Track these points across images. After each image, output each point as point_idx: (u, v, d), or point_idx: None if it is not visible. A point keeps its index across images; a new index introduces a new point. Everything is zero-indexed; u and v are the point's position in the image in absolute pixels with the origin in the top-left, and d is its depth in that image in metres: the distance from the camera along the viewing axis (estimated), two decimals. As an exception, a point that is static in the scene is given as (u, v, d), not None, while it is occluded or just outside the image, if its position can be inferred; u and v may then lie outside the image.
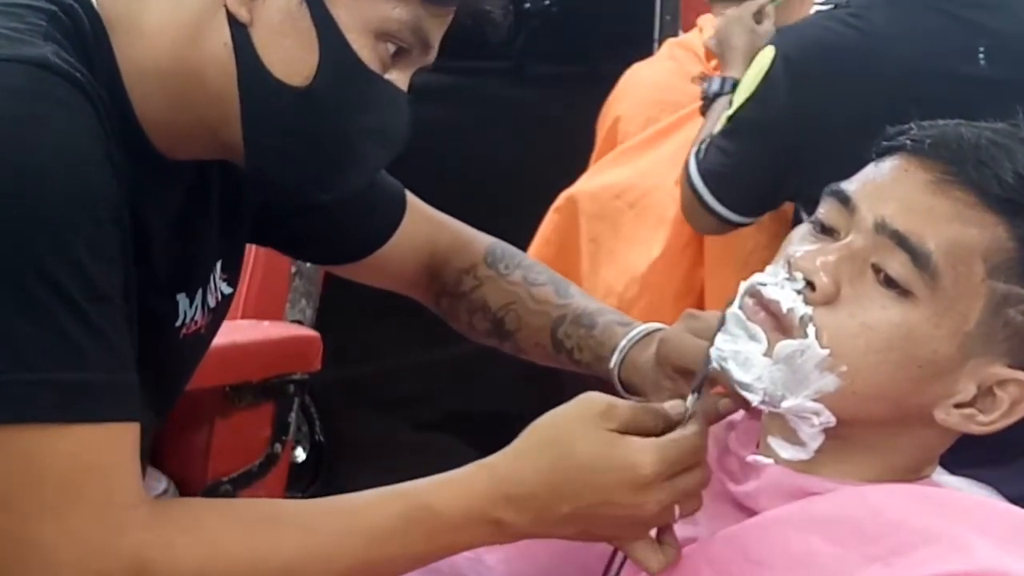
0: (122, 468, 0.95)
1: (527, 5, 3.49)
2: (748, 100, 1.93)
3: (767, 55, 1.91)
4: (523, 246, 2.49)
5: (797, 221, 1.98)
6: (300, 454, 2.66)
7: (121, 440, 0.95)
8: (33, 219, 0.91)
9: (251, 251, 2.12)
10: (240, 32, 1.01)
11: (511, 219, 2.55)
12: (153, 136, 1.05)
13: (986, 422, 1.00)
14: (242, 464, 2.19)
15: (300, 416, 2.41)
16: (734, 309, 1.02)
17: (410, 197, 1.36)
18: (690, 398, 1.02)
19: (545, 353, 1.33)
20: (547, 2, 3.40)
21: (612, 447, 0.98)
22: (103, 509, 0.93)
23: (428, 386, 3.44)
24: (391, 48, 1.04)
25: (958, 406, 1.00)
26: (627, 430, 0.99)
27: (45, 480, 0.92)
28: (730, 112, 1.97)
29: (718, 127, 1.99)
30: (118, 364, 0.96)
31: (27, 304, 0.90)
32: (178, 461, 2.13)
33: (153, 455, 2.21)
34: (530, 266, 1.38)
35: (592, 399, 1.01)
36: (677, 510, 1.00)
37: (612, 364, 1.27)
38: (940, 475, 1.08)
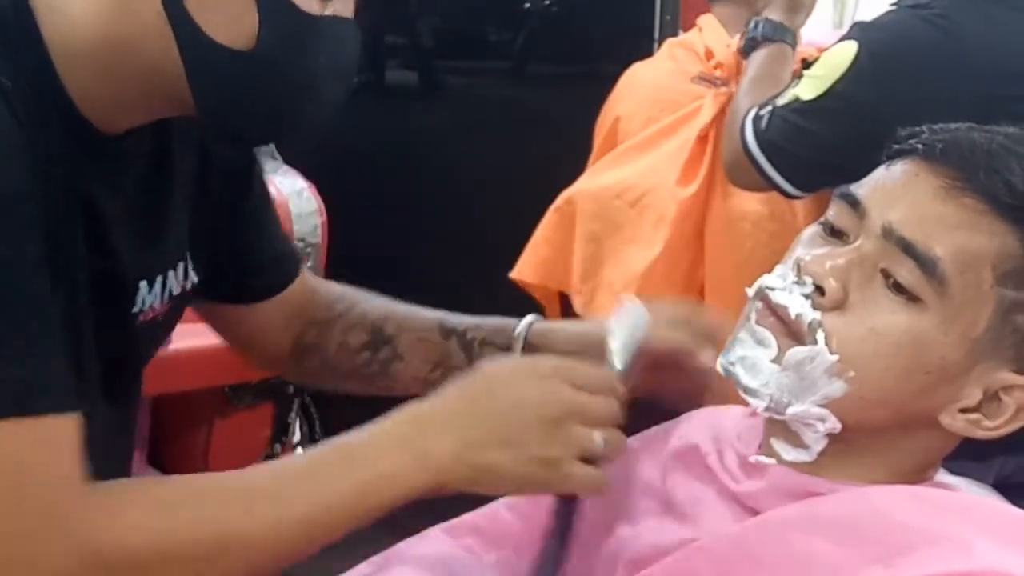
0: (62, 460, 0.93)
1: (527, 5, 3.49)
2: (832, 88, 1.90)
3: (850, 49, 1.89)
4: (523, 246, 2.50)
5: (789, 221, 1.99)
6: (300, 454, 2.66)
7: (57, 431, 0.93)
8: None
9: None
10: (172, 2, 0.98)
11: (511, 219, 2.55)
12: (90, 114, 1.03)
13: (991, 427, 1.00)
14: (242, 464, 2.18)
15: (300, 416, 2.41)
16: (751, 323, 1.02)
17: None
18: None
19: (427, 348, 1.33)
20: (547, 2, 3.40)
21: (519, 359, 1.07)
22: (47, 505, 0.91)
23: (428, 386, 3.43)
24: None
25: (963, 411, 1.00)
26: None
27: None
28: (805, 94, 1.94)
29: (783, 100, 1.96)
30: (47, 354, 0.93)
31: None
32: (177, 461, 2.13)
33: (153, 455, 2.22)
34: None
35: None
36: (597, 436, 1.02)
37: (520, 328, 1.31)
38: (940, 475, 1.08)
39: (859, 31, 1.93)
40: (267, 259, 1.32)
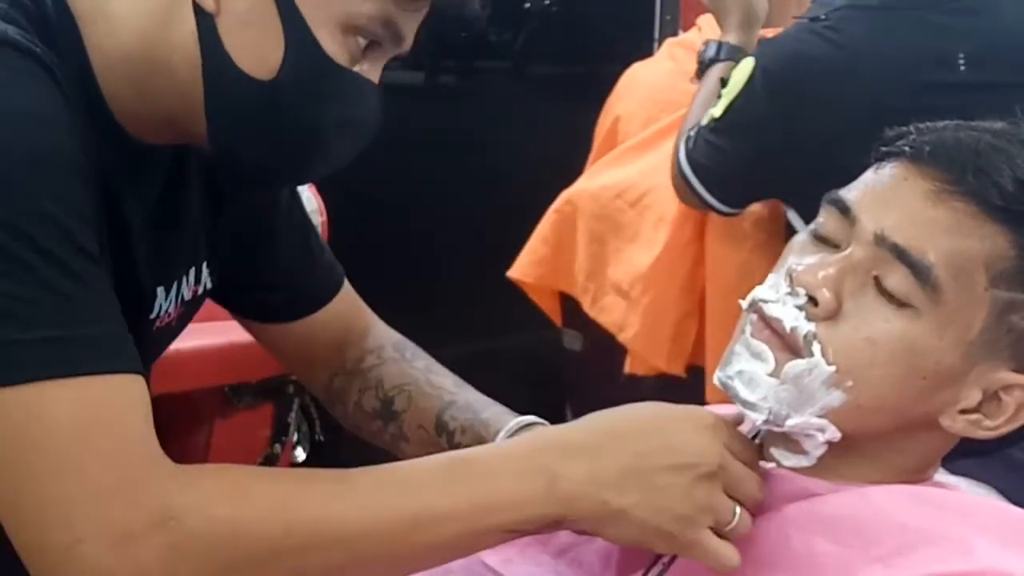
0: (134, 419, 0.92)
1: (527, 5, 3.49)
2: (732, 105, 1.96)
3: (748, 65, 1.96)
4: (523, 246, 2.50)
5: (787, 227, 2.01)
6: (300, 454, 2.66)
7: (129, 391, 0.92)
8: None
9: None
10: (206, 21, 1.00)
11: (511, 219, 2.55)
12: (123, 122, 1.04)
13: (992, 427, 1.00)
14: (242, 464, 2.19)
15: (300, 416, 2.41)
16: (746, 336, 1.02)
17: (346, 281, 1.34)
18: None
19: (423, 438, 1.26)
20: (547, 2, 3.40)
21: (672, 406, 0.99)
22: (119, 460, 0.89)
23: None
24: (361, 41, 1.03)
25: (963, 412, 0.99)
26: None
27: (54, 436, 0.88)
28: (716, 112, 1.99)
29: (705, 119, 2.01)
30: (110, 316, 0.93)
31: (6, 264, 0.88)
32: (178, 461, 2.13)
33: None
34: (435, 362, 1.33)
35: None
36: (737, 511, 0.96)
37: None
38: (941, 475, 1.07)
39: (759, 48, 1.97)
40: (283, 279, 1.29)
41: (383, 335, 1.35)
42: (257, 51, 1.00)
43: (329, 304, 1.31)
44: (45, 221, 0.90)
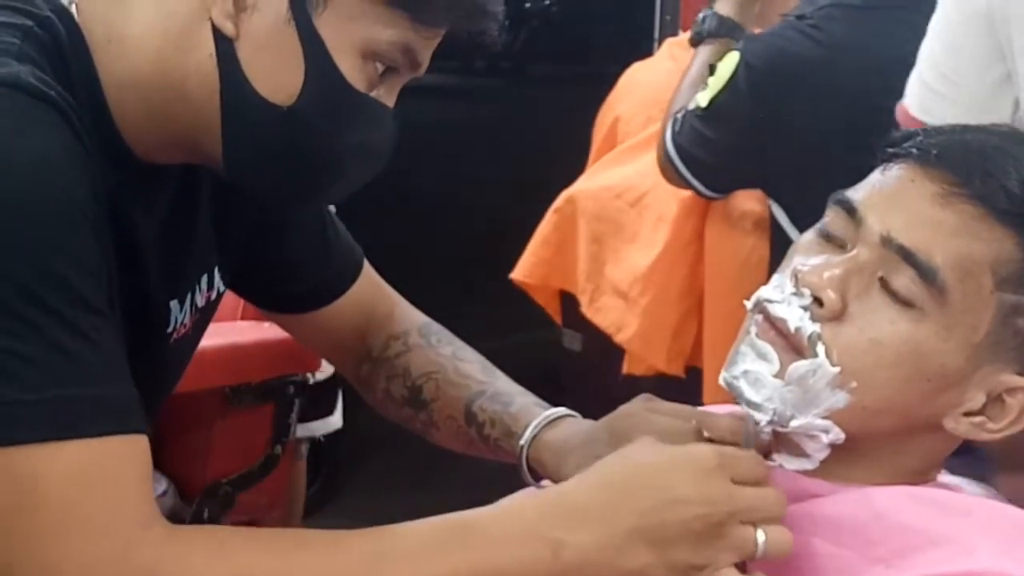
0: (130, 483, 0.91)
1: (527, 5, 3.49)
2: (717, 96, 1.97)
3: (733, 59, 1.98)
4: (523, 246, 2.50)
5: (772, 219, 2.01)
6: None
7: (126, 454, 0.92)
8: (9, 237, 0.88)
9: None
10: (225, 46, 1.00)
11: (511, 218, 2.55)
12: (133, 144, 1.04)
13: (995, 429, 1.00)
14: (242, 465, 2.18)
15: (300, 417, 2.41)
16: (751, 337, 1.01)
17: (365, 263, 1.35)
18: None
19: (455, 428, 1.26)
20: (547, 2, 3.40)
21: (669, 447, 0.95)
22: (110, 526, 0.89)
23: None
24: (379, 67, 1.03)
25: (967, 414, 1.00)
26: None
27: (49, 500, 0.88)
28: (702, 101, 2.00)
29: (692, 104, 2.03)
30: (117, 376, 0.93)
31: (15, 324, 0.88)
32: (178, 462, 2.12)
33: (153, 456, 2.21)
34: (462, 345, 1.33)
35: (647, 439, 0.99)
36: (760, 537, 0.93)
37: (523, 440, 1.19)
38: (942, 476, 1.07)
39: (745, 42, 1.99)
40: (301, 269, 1.29)
41: (408, 319, 1.35)
42: (276, 76, 1.00)
43: (349, 291, 1.32)
44: (52, 278, 0.90)
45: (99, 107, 1.01)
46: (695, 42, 2.18)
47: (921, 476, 1.04)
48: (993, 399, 0.99)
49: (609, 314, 2.28)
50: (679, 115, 2.05)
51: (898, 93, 1.81)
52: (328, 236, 1.31)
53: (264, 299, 1.32)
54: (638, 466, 0.95)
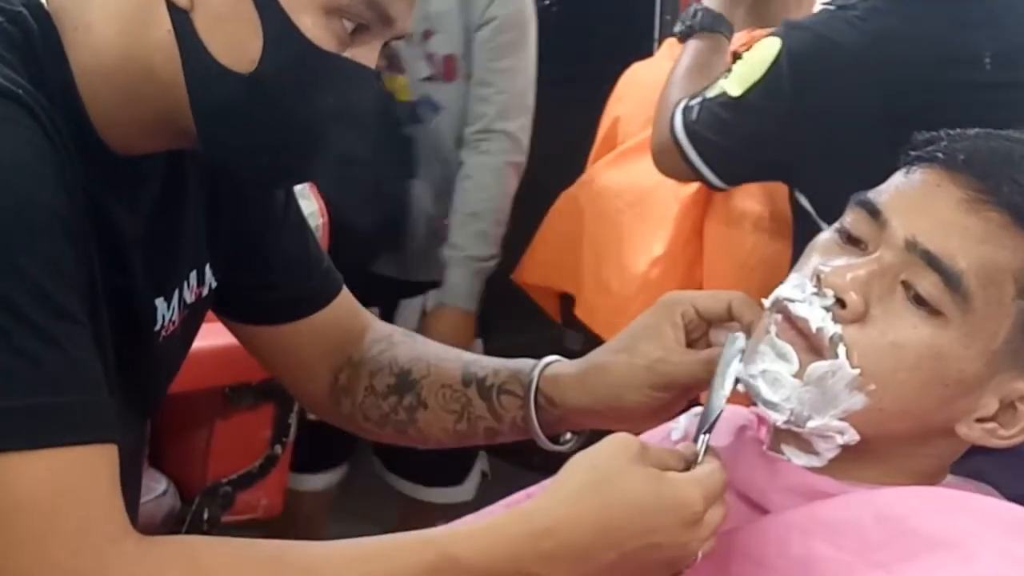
0: (101, 495, 0.89)
1: (527, 5, 3.49)
2: (756, 84, 1.93)
3: (773, 46, 1.92)
4: (523, 246, 2.50)
5: (795, 212, 1.99)
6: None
7: (96, 464, 0.90)
8: None
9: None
10: (181, 18, 0.97)
11: (511, 219, 2.55)
12: (108, 136, 1.02)
13: (1007, 436, 1.00)
14: (242, 465, 2.19)
15: (300, 417, 2.41)
16: (772, 336, 1.01)
17: (344, 286, 1.33)
18: (701, 438, 1.01)
19: (448, 397, 1.24)
20: (547, 2, 3.39)
21: (660, 484, 0.95)
22: (82, 540, 0.87)
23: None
24: (348, 24, 0.99)
25: (980, 420, 1.00)
26: (661, 469, 0.97)
27: (19, 510, 0.86)
28: (733, 90, 1.97)
29: (712, 92, 1.99)
30: (88, 384, 0.91)
31: None
32: (178, 462, 2.13)
33: (153, 456, 2.21)
34: (445, 346, 1.33)
35: (626, 439, 0.97)
36: (700, 554, 0.97)
37: (535, 373, 1.20)
38: (946, 477, 1.07)
39: (784, 29, 1.96)
40: (283, 277, 1.27)
41: (387, 328, 1.34)
42: (236, 44, 0.97)
43: (329, 306, 1.30)
44: (26, 285, 0.87)
45: (72, 102, 0.99)
46: (684, 36, 2.16)
47: (929, 479, 1.04)
48: (1005, 406, 1.00)
49: (601, 314, 2.28)
50: (693, 103, 2.00)
51: (942, 88, 1.80)
52: (311, 249, 1.29)
53: (245, 308, 1.28)
54: (629, 504, 0.94)
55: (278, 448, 2.24)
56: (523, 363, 1.23)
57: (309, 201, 2.26)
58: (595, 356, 1.18)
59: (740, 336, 1.06)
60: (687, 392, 1.14)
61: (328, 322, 1.30)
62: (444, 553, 0.93)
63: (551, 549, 0.93)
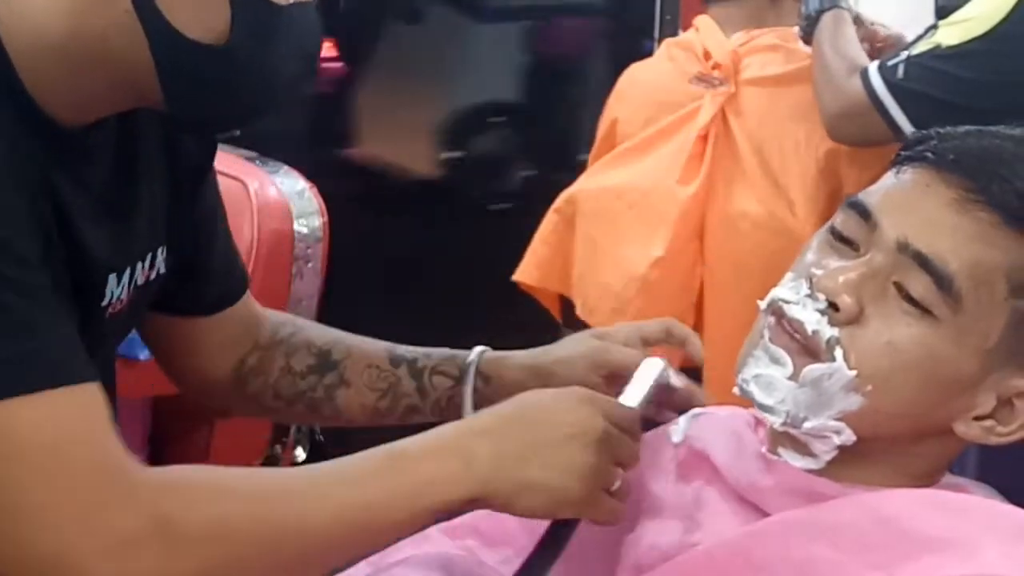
0: (103, 429, 0.92)
1: (527, 5, 3.49)
2: (993, 30, 1.90)
3: None
4: (524, 246, 2.50)
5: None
6: (300, 454, 2.66)
7: (89, 401, 0.93)
8: None
9: (251, 252, 2.12)
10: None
11: (511, 218, 2.55)
12: (51, 109, 1.02)
13: (1004, 433, 1.00)
14: (242, 465, 2.18)
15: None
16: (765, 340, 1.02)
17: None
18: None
19: (373, 376, 1.31)
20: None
21: (564, 389, 1.07)
22: (101, 470, 0.90)
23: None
24: None
25: (977, 418, 1.00)
26: None
27: (28, 451, 0.88)
28: (950, 40, 1.94)
29: (918, 49, 1.96)
30: (63, 324, 0.94)
31: None
32: (178, 462, 2.12)
33: (153, 456, 2.22)
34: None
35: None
36: (620, 473, 1.03)
37: (472, 357, 1.29)
38: (945, 476, 1.07)
39: None
40: (218, 269, 1.29)
41: (281, 315, 1.39)
42: (201, 16, 0.98)
43: (244, 295, 1.33)
44: None
45: (9, 76, 0.99)
46: (810, 27, 2.14)
47: (927, 479, 1.04)
48: (1003, 403, 1.00)
49: (601, 315, 2.28)
50: (894, 62, 1.97)
51: None
52: (232, 243, 1.32)
53: (179, 299, 1.28)
54: (529, 399, 1.06)
55: (278, 448, 2.24)
56: (455, 351, 1.31)
57: (309, 201, 2.26)
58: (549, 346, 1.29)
59: (660, 362, 1.17)
60: (619, 379, 1.20)
61: (239, 310, 1.33)
62: (392, 449, 1.02)
63: (478, 427, 1.04)
